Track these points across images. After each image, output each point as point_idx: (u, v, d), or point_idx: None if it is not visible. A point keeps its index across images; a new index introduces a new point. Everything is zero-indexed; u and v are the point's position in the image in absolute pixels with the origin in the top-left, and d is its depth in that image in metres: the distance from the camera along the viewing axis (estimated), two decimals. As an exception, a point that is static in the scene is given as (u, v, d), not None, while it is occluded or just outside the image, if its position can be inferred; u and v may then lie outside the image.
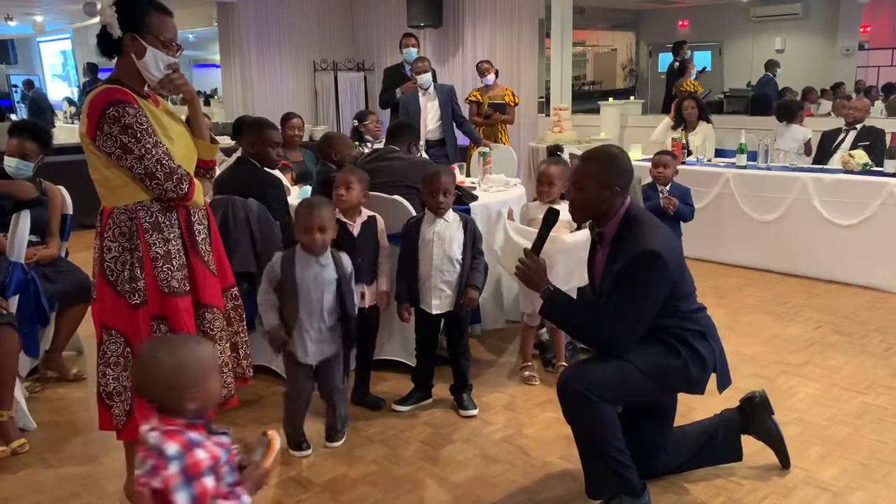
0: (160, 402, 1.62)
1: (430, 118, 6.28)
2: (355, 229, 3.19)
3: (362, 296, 3.19)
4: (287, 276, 2.83)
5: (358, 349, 3.32)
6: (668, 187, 4.30)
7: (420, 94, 6.28)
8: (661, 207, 4.16)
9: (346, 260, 2.94)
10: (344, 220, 3.17)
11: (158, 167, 2.21)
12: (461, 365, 3.34)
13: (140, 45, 2.25)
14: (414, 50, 6.74)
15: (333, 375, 2.98)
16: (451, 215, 3.25)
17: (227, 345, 2.50)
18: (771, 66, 10.22)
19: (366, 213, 3.25)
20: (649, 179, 4.37)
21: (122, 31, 2.23)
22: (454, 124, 6.36)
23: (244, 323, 2.64)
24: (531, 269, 2.53)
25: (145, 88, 2.35)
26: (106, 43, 2.28)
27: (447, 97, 6.30)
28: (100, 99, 2.20)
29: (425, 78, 6.21)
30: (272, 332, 2.85)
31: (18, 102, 14.94)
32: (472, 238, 3.25)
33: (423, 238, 3.21)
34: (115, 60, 2.33)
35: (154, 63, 2.27)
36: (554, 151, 3.90)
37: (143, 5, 2.27)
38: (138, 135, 2.19)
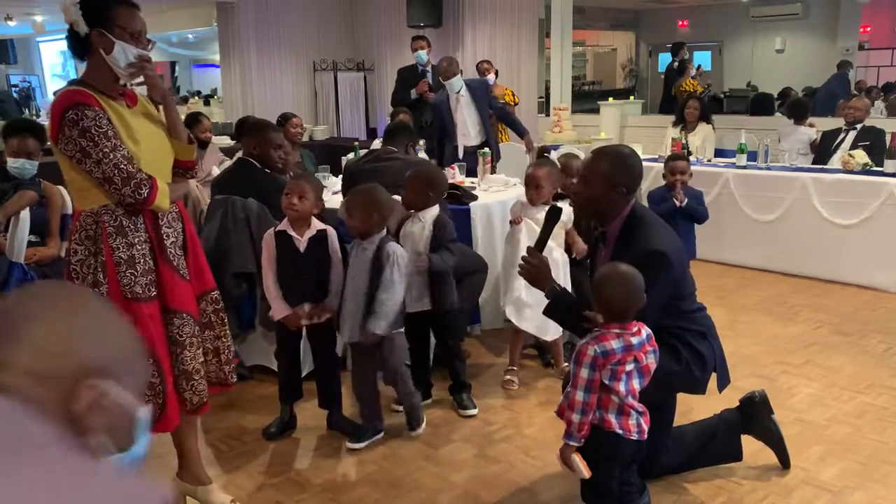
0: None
1: (469, 124, 5.60)
2: (302, 244, 2.96)
3: (309, 316, 2.99)
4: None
5: (323, 378, 3.15)
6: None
7: (453, 100, 5.58)
8: (675, 208, 4.00)
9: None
10: (291, 233, 2.95)
11: (116, 172, 2.14)
12: (455, 366, 3.33)
13: (107, 40, 2.18)
14: (424, 52, 6.55)
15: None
16: (428, 215, 3.20)
17: (200, 350, 2.40)
18: (844, 64, 9.65)
19: (315, 225, 3.00)
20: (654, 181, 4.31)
21: (89, 28, 2.17)
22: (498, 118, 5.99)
23: (226, 327, 2.54)
24: (536, 267, 2.51)
25: (120, 85, 2.28)
26: (75, 43, 2.23)
27: (483, 94, 5.69)
28: (60, 102, 2.15)
29: (456, 83, 5.51)
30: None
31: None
32: (439, 235, 3.16)
33: (401, 237, 3.20)
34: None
35: (123, 57, 2.19)
36: (541, 153, 3.84)
37: None
38: (96, 138, 2.12)
